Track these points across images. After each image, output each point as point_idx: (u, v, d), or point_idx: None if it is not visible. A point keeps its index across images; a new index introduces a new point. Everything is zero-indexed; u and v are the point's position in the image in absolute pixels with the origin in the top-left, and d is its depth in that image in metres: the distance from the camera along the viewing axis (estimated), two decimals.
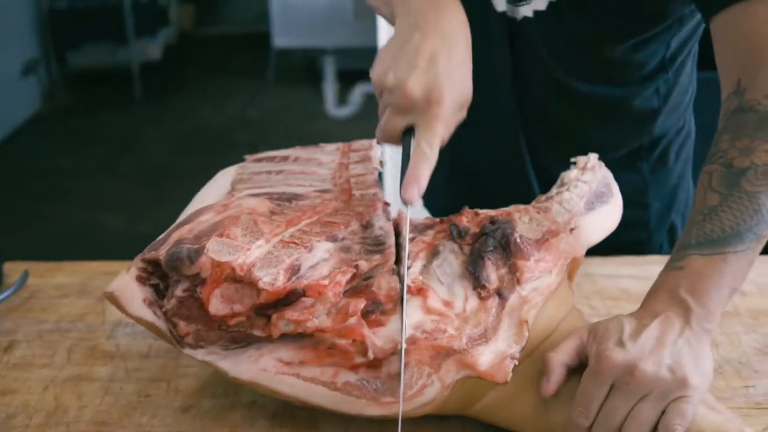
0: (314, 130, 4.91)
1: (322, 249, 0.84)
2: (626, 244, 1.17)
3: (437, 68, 0.90)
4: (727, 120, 0.91)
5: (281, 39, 5.88)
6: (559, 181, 1.01)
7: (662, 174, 1.29)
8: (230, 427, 0.87)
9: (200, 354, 0.83)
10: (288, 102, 5.59)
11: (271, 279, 0.79)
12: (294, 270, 0.81)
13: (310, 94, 5.60)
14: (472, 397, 0.83)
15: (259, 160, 1.08)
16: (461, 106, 0.93)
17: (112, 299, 0.84)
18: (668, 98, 1.21)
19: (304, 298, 0.79)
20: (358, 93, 4.86)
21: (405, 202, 0.87)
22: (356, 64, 3.40)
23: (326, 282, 0.79)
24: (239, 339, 0.82)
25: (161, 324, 0.84)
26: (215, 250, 0.81)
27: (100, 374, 0.97)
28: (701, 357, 0.79)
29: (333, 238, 0.86)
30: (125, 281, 0.84)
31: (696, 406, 0.77)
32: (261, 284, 0.78)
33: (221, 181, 1.03)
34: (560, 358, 0.81)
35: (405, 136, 0.91)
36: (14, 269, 1.19)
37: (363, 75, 3.06)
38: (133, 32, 6.03)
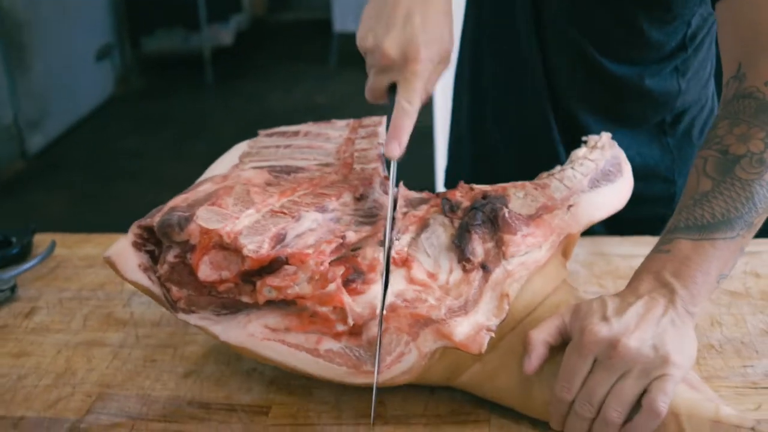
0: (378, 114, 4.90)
1: (310, 219, 0.86)
2: (651, 220, 1.18)
3: (412, 26, 0.94)
4: (726, 105, 0.91)
5: (342, 24, 5.88)
6: (569, 159, 1.00)
7: (688, 150, 1.28)
8: (227, 393, 0.90)
9: (193, 318, 0.86)
10: (355, 87, 5.60)
11: (256, 246, 0.82)
12: (279, 238, 0.83)
13: None
14: (456, 368, 0.84)
15: (272, 135, 1.10)
16: (441, 60, 0.97)
17: (110, 263, 0.88)
18: (686, 74, 1.22)
19: (286, 266, 0.81)
20: None
21: (387, 159, 0.92)
22: None
23: (310, 251, 0.81)
24: (229, 305, 0.85)
25: (156, 289, 0.87)
26: (204, 217, 0.84)
27: (112, 340, 1.01)
28: (685, 337, 0.79)
29: (322, 209, 0.88)
30: (122, 247, 0.88)
31: (677, 385, 0.78)
32: (245, 251, 0.81)
33: (233, 154, 1.06)
34: (542, 336, 0.82)
35: (390, 94, 0.96)
36: (45, 240, 1.23)
37: None
38: (205, 18, 6.12)
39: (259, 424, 0.85)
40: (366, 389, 0.86)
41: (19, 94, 4.72)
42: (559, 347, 0.82)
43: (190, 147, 4.75)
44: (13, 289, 1.10)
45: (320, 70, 6.20)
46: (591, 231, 1.00)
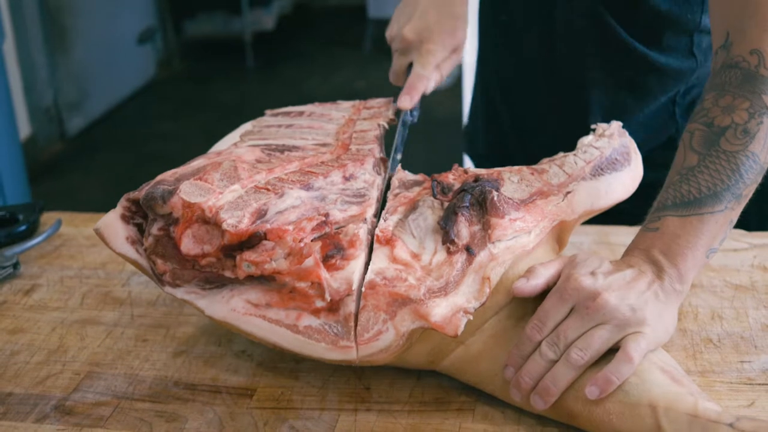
0: None
1: (293, 196, 0.89)
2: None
3: (428, 18, 1.16)
4: (714, 77, 0.93)
5: (376, 10, 5.88)
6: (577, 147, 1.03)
7: None
8: (214, 374, 0.93)
9: (180, 292, 0.89)
10: None
11: (236, 221, 0.84)
12: (260, 214, 0.86)
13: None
14: (439, 351, 0.86)
15: (277, 114, 1.13)
16: (453, 50, 1.18)
17: (99, 235, 0.91)
18: (702, 49, 1.25)
19: (265, 242, 0.84)
20: None
21: (399, 109, 1.11)
22: None
23: (290, 227, 0.84)
24: (213, 279, 0.88)
25: (143, 261, 0.90)
26: (187, 191, 0.87)
27: (107, 319, 1.05)
28: (666, 312, 0.83)
29: (307, 187, 0.91)
30: (110, 219, 0.91)
31: (650, 347, 0.80)
32: (224, 225, 0.84)
33: (236, 133, 1.09)
34: (547, 272, 0.85)
35: (408, 74, 1.16)
36: (52, 218, 1.25)
37: None
38: (247, 2, 6.15)
39: (242, 407, 0.87)
40: (353, 374, 0.89)
41: (59, 76, 4.80)
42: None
43: (230, 131, 4.77)
44: (15, 266, 1.13)
45: (359, 56, 6.20)
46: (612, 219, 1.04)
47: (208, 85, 5.90)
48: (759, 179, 0.90)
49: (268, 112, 1.14)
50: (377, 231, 0.87)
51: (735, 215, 0.88)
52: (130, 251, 0.91)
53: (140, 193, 0.90)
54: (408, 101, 1.12)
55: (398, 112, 1.13)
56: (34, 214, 1.26)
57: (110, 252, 1.17)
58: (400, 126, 1.10)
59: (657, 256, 0.85)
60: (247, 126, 1.10)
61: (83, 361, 0.96)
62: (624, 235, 1.17)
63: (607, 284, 0.81)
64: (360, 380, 0.90)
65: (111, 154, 4.73)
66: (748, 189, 0.88)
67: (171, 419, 0.86)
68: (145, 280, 1.11)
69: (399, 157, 1.06)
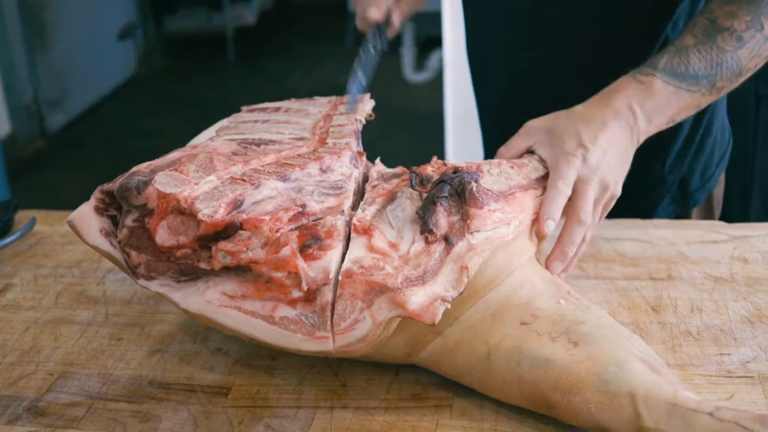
0: (396, 96, 4.89)
1: (270, 187, 0.90)
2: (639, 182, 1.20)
3: None
4: None
5: None
6: None
7: None
8: (189, 373, 0.94)
9: (154, 285, 0.90)
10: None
11: (211, 211, 0.86)
12: (236, 204, 0.87)
13: (389, 59, 5.58)
14: (417, 343, 0.88)
15: (253, 110, 1.14)
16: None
17: (72, 227, 0.93)
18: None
19: (241, 231, 0.85)
20: (435, 58, 4.82)
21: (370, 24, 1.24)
22: (435, 30, 3.37)
23: (266, 217, 0.85)
24: (188, 271, 0.89)
25: (117, 254, 0.92)
26: (162, 182, 0.88)
27: (81, 318, 1.06)
28: (624, 158, 1.00)
29: (284, 178, 0.92)
30: (84, 211, 0.92)
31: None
32: (200, 215, 0.85)
33: (212, 129, 1.09)
34: (509, 153, 1.01)
35: (374, 29, 1.24)
36: (27, 217, 1.23)
37: (439, 41, 3.00)
38: None
39: (216, 405, 0.89)
40: (330, 370, 0.92)
41: (39, 73, 4.77)
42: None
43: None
44: None
45: (342, 50, 6.20)
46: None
47: (189, 81, 5.92)
48: (734, 82, 1.05)
49: (244, 108, 1.15)
50: (354, 220, 0.89)
51: (704, 102, 1.04)
52: (103, 243, 0.92)
53: (114, 185, 0.91)
54: (376, 12, 1.21)
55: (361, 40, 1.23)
56: (7, 213, 1.25)
57: (85, 250, 1.17)
58: (368, 44, 1.16)
59: (635, 107, 0.99)
60: (223, 122, 1.11)
61: (57, 361, 0.97)
62: (602, 228, 1.18)
63: (596, 159, 0.96)
64: (336, 377, 0.91)
65: (92, 151, 4.74)
66: (722, 84, 1.03)
67: (145, 419, 0.87)
68: (121, 278, 1.11)
69: (364, 82, 1.14)
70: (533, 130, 1.01)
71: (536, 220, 0.94)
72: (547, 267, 0.96)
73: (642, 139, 1.01)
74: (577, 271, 1.09)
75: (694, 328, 0.96)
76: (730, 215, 1.07)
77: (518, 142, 1.02)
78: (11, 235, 1.20)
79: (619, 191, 0.99)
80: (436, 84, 4.05)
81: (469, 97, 1.55)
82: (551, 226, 0.94)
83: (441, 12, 3.09)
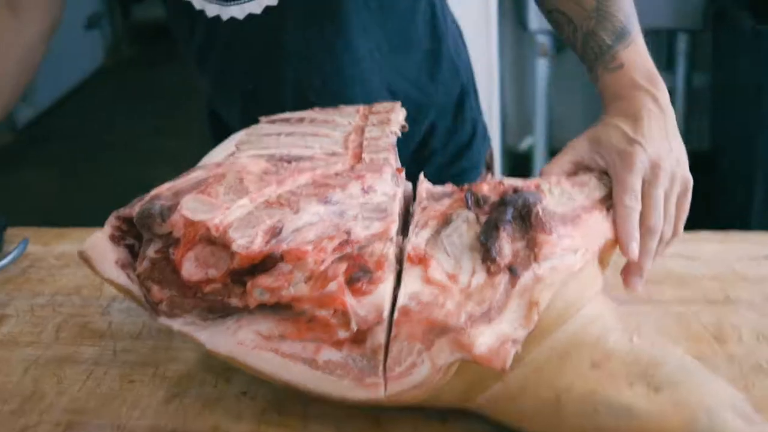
0: None
1: (311, 212, 0.80)
2: None
3: None
4: None
5: None
6: None
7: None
8: (213, 422, 0.84)
9: (177, 324, 0.80)
10: None
11: (247, 241, 0.76)
12: (274, 233, 0.78)
13: None
14: (474, 387, 0.78)
15: (274, 122, 1.06)
16: None
17: (85, 259, 0.83)
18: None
19: (281, 264, 0.75)
20: None
21: None
22: None
23: (309, 247, 0.76)
24: (217, 308, 0.79)
25: (135, 288, 0.82)
26: (190, 207, 0.78)
27: (86, 355, 0.96)
28: (673, 136, 0.93)
29: (325, 201, 0.83)
30: (98, 240, 0.82)
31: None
32: (235, 246, 0.76)
33: (230, 143, 1.02)
34: (556, 172, 0.91)
35: None
36: (17, 235, 1.13)
37: None
38: None
39: None
40: (369, 419, 0.81)
41: None
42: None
43: (183, 116, 4.66)
44: None
45: None
46: None
47: (158, 70, 5.83)
48: None
49: (263, 119, 1.06)
50: (408, 248, 0.79)
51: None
52: (120, 276, 0.82)
53: (132, 210, 0.81)
54: None
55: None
56: None
57: (84, 274, 1.07)
58: None
59: (644, 84, 0.93)
60: (240, 135, 1.01)
61: (63, 408, 0.86)
62: None
63: (655, 147, 0.88)
64: (378, 426, 0.82)
65: (62, 145, 4.63)
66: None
67: None
68: (127, 308, 1.01)
69: None
70: (577, 146, 0.94)
71: (605, 248, 0.84)
72: (625, 283, 0.89)
73: (668, 106, 0.94)
74: (625, 295, 1.00)
75: (765, 361, 0.88)
76: (732, 203, 1.02)
77: (564, 158, 0.94)
78: (2, 258, 1.09)
79: (689, 175, 0.91)
80: None
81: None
82: (635, 248, 0.85)
83: None
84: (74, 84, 5.46)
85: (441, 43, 1.31)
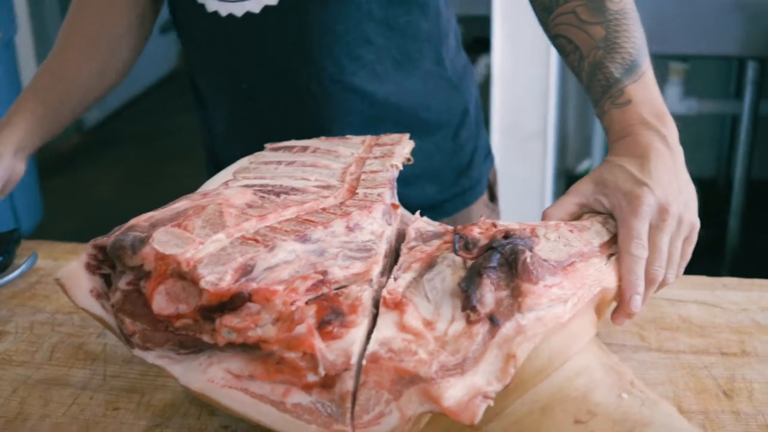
0: None
1: (287, 249, 0.78)
2: None
3: None
4: None
5: None
6: None
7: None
8: None
9: (150, 357, 0.79)
10: None
11: (216, 278, 0.74)
12: (246, 271, 0.76)
13: None
14: None
15: (278, 149, 1.03)
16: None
17: (61, 286, 0.82)
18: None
19: (249, 304, 0.73)
20: (482, 64, 4.67)
21: None
22: (481, 33, 3.22)
23: (279, 287, 0.74)
24: (188, 344, 0.78)
25: (110, 319, 0.81)
26: (161, 240, 0.77)
27: (76, 379, 0.95)
28: (681, 173, 0.89)
29: (304, 239, 0.80)
30: (74, 268, 0.81)
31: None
32: (203, 283, 0.74)
33: (230, 170, 0.97)
34: (559, 214, 0.89)
35: None
36: (30, 248, 1.13)
37: (487, 45, 2.87)
38: None
39: None
40: None
41: None
42: None
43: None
44: None
45: None
46: None
47: None
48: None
49: (268, 146, 1.04)
50: (384, 292, 0.76)
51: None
52: (94, 306, 0.81)
53: (109, 239, 0.80)
54: None
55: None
56: (9, 245, 1.14)
57: None
58: None
59: (652, 121, 0.90)
60: (243, 162, 0.99)
61: None
62: (676, 287, 1.04)
63: (663, 190, 0.85)
64: None
65: (127, 149, 4.66)
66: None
67: None
68: None
69: None
70: (581, 187, 0.91)
71: (603, 297, 0.81)
72: (612, 319, 0.86)
73: (676, 136, 0.91)
74: (637, 341, 0.96)
75: None
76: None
77: (568, 200, 0.91)
78: (11, 271, 1.09)
79: (697, 219, 0.88)
80: (483, 91, 3.93)
81: (519, 106, 1.45)
82: (638, 302, 0.83)
83: (491, 15, 2.95)
84: (145, 87, 5.53)
85: (443, 62, 1.28)
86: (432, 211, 1.25)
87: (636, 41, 0.96)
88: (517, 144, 2.79)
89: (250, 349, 0.74)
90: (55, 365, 0.95)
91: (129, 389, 0.91)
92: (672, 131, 0.91)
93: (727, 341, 0.97)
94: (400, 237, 0.90)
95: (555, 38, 1.03)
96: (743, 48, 3.01)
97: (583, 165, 3.60)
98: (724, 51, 2.99)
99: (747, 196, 3.06)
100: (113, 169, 4.41)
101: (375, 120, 1.23)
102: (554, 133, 3.04)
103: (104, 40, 1.26)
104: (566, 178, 3.56)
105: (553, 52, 2.88)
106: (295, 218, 0.83)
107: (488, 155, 1.43)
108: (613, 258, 0.84)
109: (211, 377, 0.75)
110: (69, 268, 0.81)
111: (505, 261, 0.77)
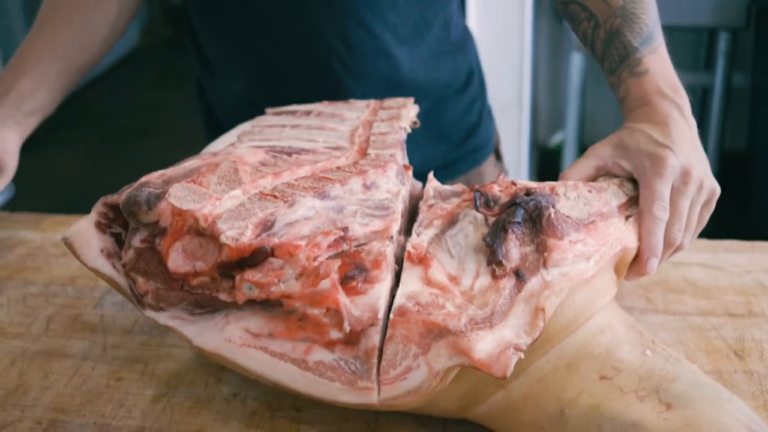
0: None
1: (306, 206, 0.76)
2: None
3: None
4: None
5: None
6: None
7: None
8: (200, 425, 0.80)
9: (163, 317, 0.77)
10: None
11: (237, 234, 0.72)
12: (266, 226, 0.74)
13: None
14: (475, 395, 0.75)
15: (279, 113, 1.02)
16: None
17: (69, 245, 0.79)
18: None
19: (272, 259, 0.71)
20: None
21: None
22: None
23: (301, 242, 0.72)
24: (205, 303, 0.76)
25: (120, 279, 0.78)
26: (178, 195, 0.75)
27: (75, 350, 0.92)
28: (696, 141, 0.90)
29: (323, 195, 0.79)
30: (83, 227, 0.79)
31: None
32: (223, 238, 0.72)
33: (233, 134, 0.96)
34: (576, 176, 0.88)
35: None
36: (15, 220, 1.09)
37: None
38: None
39: None
40: (364, 426, 0.77)
41: None
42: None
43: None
44: None
45: None
46: None
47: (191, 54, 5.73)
48: None
49: (269, 110, 1.02)
50: (409, 246, 0.75)
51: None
52: (105, 266, 0.78)
53: (120, 197, 0.78)
54: None
55: None
56: None
57: (81, 264, 1.02)
58: None
59: (669, 93, 0.90)
60: (245, 126, 0.97)
61: (46, 405, 0.83)
62: None
63: (685, 155, 0.85)
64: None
65: (90, 128, 4.59)
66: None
67: None
68: (121, 301, 0.97)
69: None
70: (600, 150, 0.90)
71: (622, 256, 0.80)
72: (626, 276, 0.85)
73: (691, 117, 0.91)
74: (643, 303, 0.95)
75: None
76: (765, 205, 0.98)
77: (586, 162, 0.90)
78: None
79: (717, 186, 0.88)
80: None
81: (494, 77, 1.45)
82: (655, 264, 0.82)
83: None
84: (106, 66, 5.45)
85: (449, 26, 1.28)
86: (444, 170, 1.23)
87: (652, 14, 0.96)
88: (511, 120, 2.80)
89: (270, 306, 0.73)
90: (52, 337, 0.93)
91: (131, 359, 0.88)
92: (686, 104, 0.91)
93: (733, 303, 0.97)
94: (412, 199, 0.89)
95: (567, 4, 1.02)
96: (715, 18, 3.02)
97: (556, 138, 3.61)
98: (695, 22, 2.99)
99: (720, 167, 3.09)
100: (77, 148, 4.33)
101: (395, 84, 1.21)
102: (529, 107, 3.03)
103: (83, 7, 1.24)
104: (539, 151, 3.57)
105: (528, 23, 2.87)
106: (311, 176, 0.82)
107: (491, 116, 1.43)
108: (631, 219, 0.83)
109: (228, 336, 0.73)
110: (78, 227, 0.79)
111: (529, 217, 0.76)
